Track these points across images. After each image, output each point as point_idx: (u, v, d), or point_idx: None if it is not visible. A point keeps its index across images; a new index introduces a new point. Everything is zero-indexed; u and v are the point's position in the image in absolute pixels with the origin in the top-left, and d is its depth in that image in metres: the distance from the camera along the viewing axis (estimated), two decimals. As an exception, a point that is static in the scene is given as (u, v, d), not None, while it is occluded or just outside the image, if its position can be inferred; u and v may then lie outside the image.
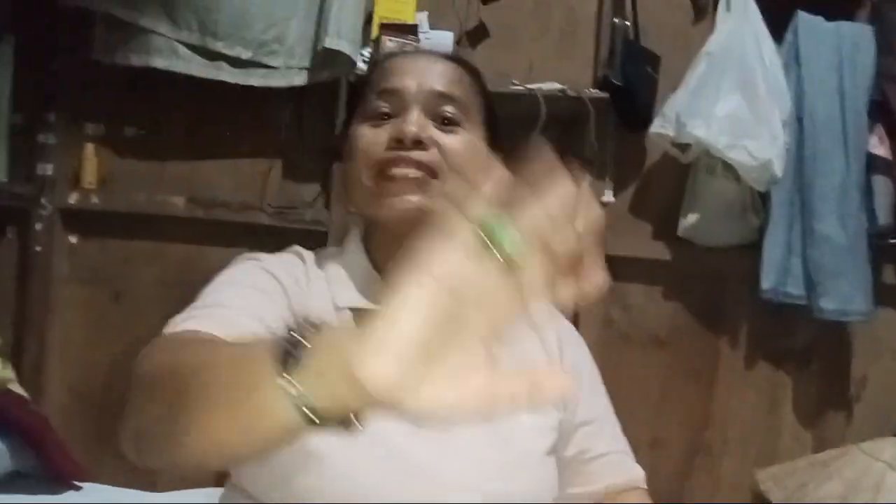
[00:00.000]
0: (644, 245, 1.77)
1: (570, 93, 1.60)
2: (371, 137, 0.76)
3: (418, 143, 0.73)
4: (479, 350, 0.39)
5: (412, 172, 0.73)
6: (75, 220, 1.67)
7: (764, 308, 1.74)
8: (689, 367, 1.83)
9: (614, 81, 1.59)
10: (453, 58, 0.83)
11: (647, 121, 1.65)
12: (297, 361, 0.39)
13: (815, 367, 1.85)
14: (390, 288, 0.76)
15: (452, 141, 0.76)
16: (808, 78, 1.71)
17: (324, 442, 0.65)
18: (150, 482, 1.69)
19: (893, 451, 1.74)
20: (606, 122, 1.67)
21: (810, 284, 1.68)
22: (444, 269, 0.38)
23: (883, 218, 1.70)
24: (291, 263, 0.78)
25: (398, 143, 0.73)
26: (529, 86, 1.61)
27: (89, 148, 1.63)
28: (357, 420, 0.40)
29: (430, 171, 0.74)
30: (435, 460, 0.67)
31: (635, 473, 0.85)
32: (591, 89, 1.64)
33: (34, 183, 1.63)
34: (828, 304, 1.66)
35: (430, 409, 0.38)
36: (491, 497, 0.68)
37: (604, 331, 1.78)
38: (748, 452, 1.84)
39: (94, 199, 1.63)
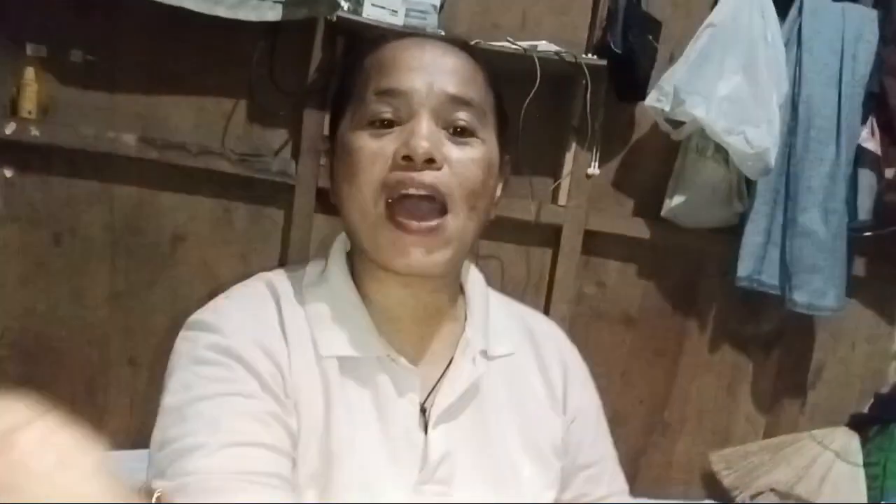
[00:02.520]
0: (624, 222, 1.72)
1: (567, 57, 1.49)
2: (373, 152, 0.64)
3: (430, 161, 0.62)
4: None
5: (426, 223, 0.63)
6: (12, 152, 1.49)
7: (735, 294, 1.73)
8: (656, 346, 1.82)
9: (615, 49, 1.49)
10: (464, 46, 0.70)
11: (642, 92, 1.56)
12: None
13: (776, 354, 1.87)
14: (383, 334, 0.65)
15: (465, 158, 0.65)
16: (808, 60, 1.64)
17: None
18: (93, 435, 1.60)
19: (844, 440, 1.78)
20: (599, 90, 1.57)
21: (785, 275, 1.67)
22: None
23: (864, 213, 1.69)
24: (261, 309, 0.65)
25: (406, 160, 0.62)
26: (523, 44, 1.50)
27: (30, 72, 1.44)
28: None
29: (440, 196, 0.63)
30: None
31: None
32: (589, 54, 1.54)
33: (-36, 107, 1.44)
34: (800, 298, 1.66)
35: None
36: None
37: (575, 306, 1.74)
38: (703, 433, 1.86)
39: (34, 131, 1.45)
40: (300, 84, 1.52)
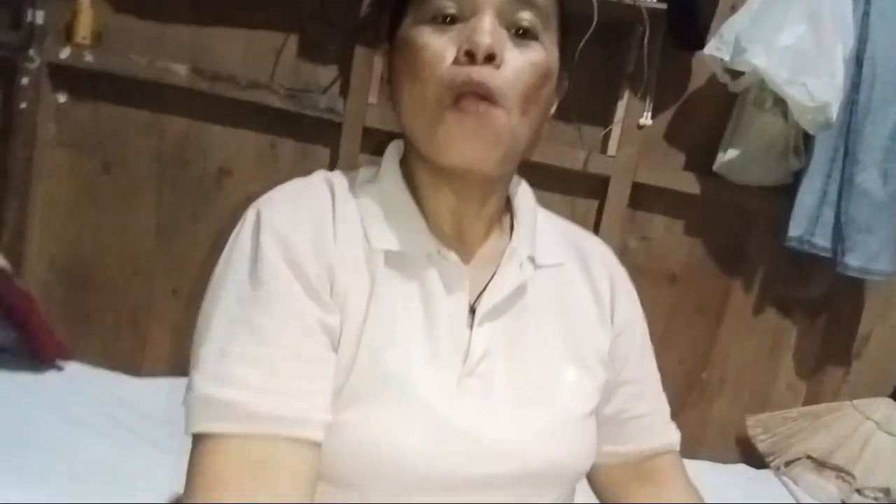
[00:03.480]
0: (674, 176, 1.68)
1: (627, 0, 1.44)
2: (435, 47, 0.63)
3: (491, 58, 0.62)
4: None
5: (480, 107, 0.62)
6: (65, 77, 1.50)
7: (784, 254, 1.69)
8: (698, 304, 1.79)
9: (676, -8, 1.44)
10: None
11: (701, 41, 1.51)
12: None
13: (823, 320, 1.82)
14: (433, 234, 0.65)
15: (525, 61, 0.64)
16: (875, 15, 1.58)
17: (358, 404, 0.60)
18: (133, 365, 1.63)
19: (886, 411, 1.74)
20: (656, 37, 1.53)
21: (838, 237, 1.62)
22: None
23: (925, 176, 1.62)
24: (318, 200, 0.67)
25: (468, 56, 0.62)
26: (581, -15, 1.45)
27: (85, -3, 1.45)
28: None
29: (496, 97, 0.63)
30: (475, 424, 0.62)
31: (671, 437, 0.81)
32: (648, -2, 1.49)
33: (22, 31, 1.45)
34: (852, 261, 1.61)
35: None
36: (531, 463, 0.64)
37: (619, 259, 1.71)
38: (741, 396, 1.84)
39: (88, 57, 1.46)
40: (352, 19, 1.50)
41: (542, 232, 0.76)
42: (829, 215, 1.62)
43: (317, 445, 0.58)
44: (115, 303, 1.64)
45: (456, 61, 0.62)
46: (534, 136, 0.68)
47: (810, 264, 1.71)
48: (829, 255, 1.63)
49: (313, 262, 0.62)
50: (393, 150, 0.73)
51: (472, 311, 0.67)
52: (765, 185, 1.65)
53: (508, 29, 0.64)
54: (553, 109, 0.73)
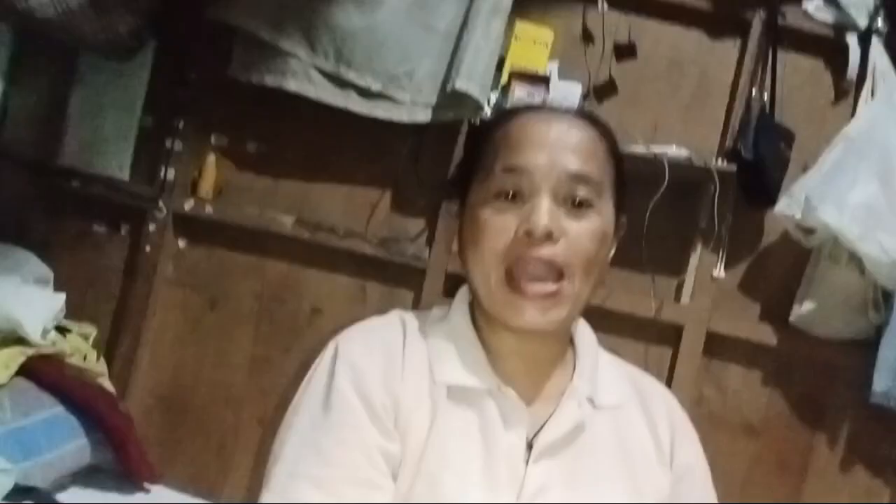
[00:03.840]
0: (750, 326, 1.69)
1: (697, 162, 1.55)
2: (498, 226, 0.70)
3: (549, 237, 0.69)
4: None
5: (543, 288, 0.69)
6: (187, 225, 1.70)
7: (870, 411, 1.63)
8: (779, 460, 1.73)
9: (745, 155, 1.53)
10: (587, 119, 0.76)
11: (772, 199, 1.58)
12: None
13: (918, 483, 1.72)
14: (496, 373, 0.72)
15: (582, 231, 0.71)
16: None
17: None
18: (215, 490, 1.69)
19: None
20: (727, 195, 1.61)
21: (927, 394, 1.57)
22: None
23: None
24: (390, 335, 0.74)
25: (527, 235, 0.69)
26: (654, 148, 1.57)
27: (211, 158, 1.66)
28: None
29: (558, 271, 0.70)
30: None
31: None
32: (718, 160, 1.59)
33: (154, 185, 1.67)
34: (944, 419, 1.55)
35: None
36: None
37: (694, 408, 1.70)
38: (833, 560, 1.72)
39: (209, 209, 1.66)
40: (441, 178, 1.66)
41: (604, 372, 0.79)
42: (915, 371, 1.59)
43: None
44: (205, 430, 1.73)
45: (516, 239, 0.69)
46: (595, 288, 0.74)
47: (899, 422, 1.65)
48: (918, 412, 1.58)
49: (381, 391, 0.68)
50: (464, 293, 0.79)
51: (531, 446, 0.70)
52: (845, 339, 1.64)
53: (565, 203, 0.71)
54: (612, 254, 0.78)
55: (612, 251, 0.79)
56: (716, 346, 1.70)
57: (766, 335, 1.67)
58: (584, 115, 0.78)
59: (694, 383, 1.69)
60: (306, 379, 0.73)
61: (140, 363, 1.71)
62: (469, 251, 0.74)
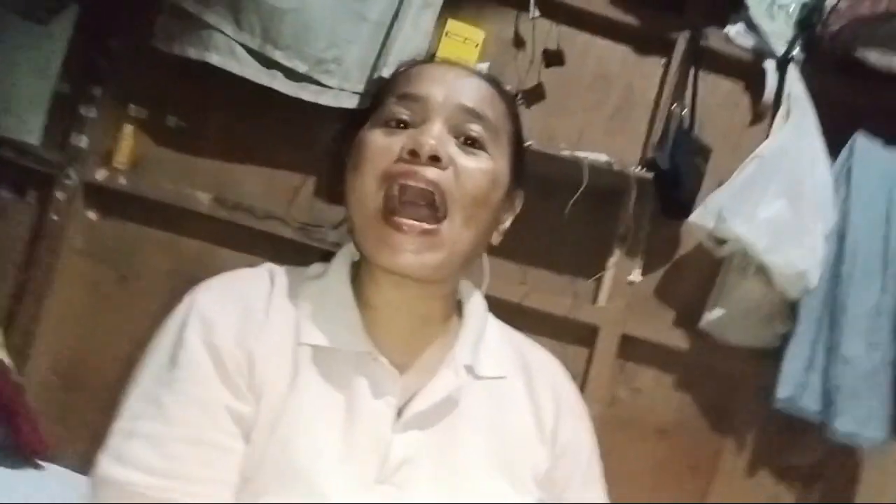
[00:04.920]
0: (663, 331, 1.73)
1: (616, 167, 1.57)
2: (382, 145, 0.65)
3: (435, 159, 0.64)
4: None
5: (420, 224, 0.64)
6: (98, 196, 1.64)
7: (774, 417, 1.68)
8: (688, 463, 1.77)
9: (661, 165, 1.57)
10: (487, 76, 0.73)
11: (686, 210, 1.62)
12: None
13: (819, 489, 1.77)
14: (371, 335, 0.68)
15: (472, 164, 0.66)
16: (855, 198, 1.68)
17: (267, 496, 0.60)
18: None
19: None
20: (645, 203, 1.64)
21: (827, 402, 1.62)
22: None
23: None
24: (252, 289, 0.68)
25: (412, 155, 0.64)
26: (577, 153, 1.59)
27: (128, 129, 1.62)
28: None
29: (441, 195, 0.64)
30: None
31: None
32: (637, 168, 1.62)
33: (65, 152, 1.61)
34: (842, 426, 1.60)
35: None
36: None
37: (607, 409, 1.72)
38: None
39: (122, 180, 1.60)
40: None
41: (490, 342, 0.74)
42: (816, 380, 1.64)
43: None
44: (107, 408, 1.67)
45: (399, 159, 0.64)
46: (478, 246, 0.69)
47: (802, 429, 1.70)
48: (817, 419, 1.63)
49: (234, 347, 0.62)
50: (344, 251, 0.73)
51: (400, 415, 0.65)
52: (753, 348, 1.68)
53: (457, 137, 0.67)
54: (504, 226, 0.74)
55: (506, 223, 0.74)
56: (630, 348, 1.72)
57: (679, 340, 1.71)
58: (487, 75, 0.74)
59: (608, 385, 1.71)
60: (158, 332, 0.67)
61: (41, 335, 1.65)
62: (349, 182, 0.68)
